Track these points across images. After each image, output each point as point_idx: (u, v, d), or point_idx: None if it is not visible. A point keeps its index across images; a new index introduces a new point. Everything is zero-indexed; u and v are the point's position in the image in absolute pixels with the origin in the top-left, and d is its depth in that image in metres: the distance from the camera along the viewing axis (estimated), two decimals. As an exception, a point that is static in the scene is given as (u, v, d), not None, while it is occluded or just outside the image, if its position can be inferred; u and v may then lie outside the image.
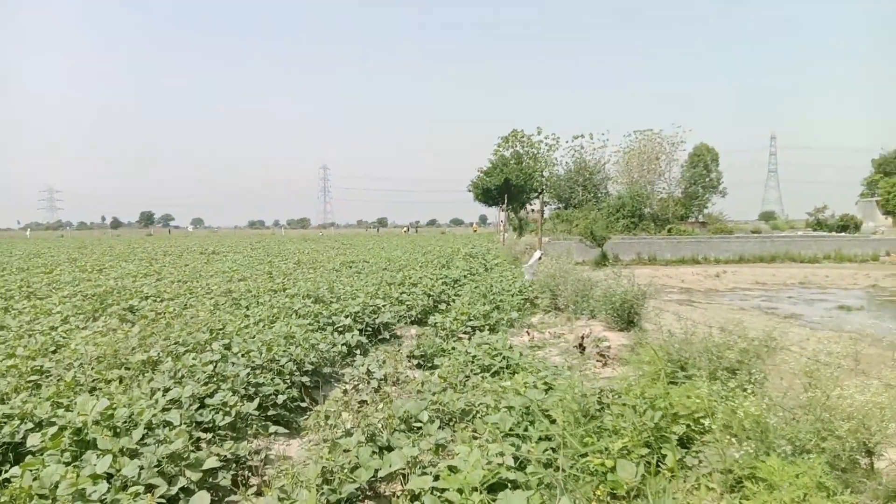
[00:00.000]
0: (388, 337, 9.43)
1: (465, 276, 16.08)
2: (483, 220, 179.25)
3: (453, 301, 13.74)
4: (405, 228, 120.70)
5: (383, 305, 10.31)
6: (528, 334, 10.51)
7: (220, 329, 8.22)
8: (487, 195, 56.29)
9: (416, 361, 7.99)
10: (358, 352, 8.22)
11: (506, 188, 52.76)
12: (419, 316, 11.32)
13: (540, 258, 13.99)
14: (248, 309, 11.14)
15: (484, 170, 57.78)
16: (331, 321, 8.79)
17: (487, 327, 10.30)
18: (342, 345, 7.88)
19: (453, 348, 7.99)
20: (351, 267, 20.36)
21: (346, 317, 9.19)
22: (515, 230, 54.56)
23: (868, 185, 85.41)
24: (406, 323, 11.06)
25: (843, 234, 49.90)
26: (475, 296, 12.44)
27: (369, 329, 9.19)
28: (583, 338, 9.08)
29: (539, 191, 56.27)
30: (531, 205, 63.14)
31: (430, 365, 7.85)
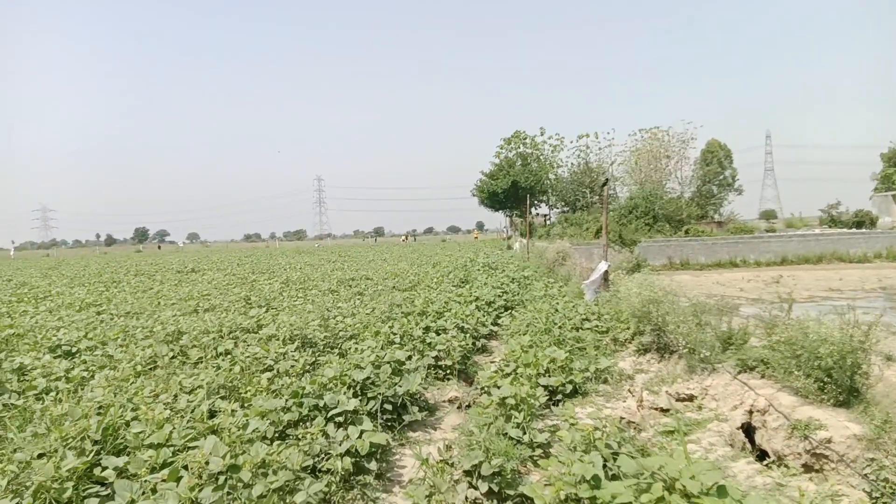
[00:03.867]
0: (418, 417, 5.65)
1: (499, 297, 12.32)
2: (480, 226, 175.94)
3: (502, 336, 10.06)
4: (403, 237, 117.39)
5: (406, 358, 6.48)
6: (635, 397, 6.78)
7: (110, 435, 4.45)
8: (494, 199, 52.60)
9: (482, 485, 4.22)
10: (373, 464, 4.47)
11: (514, 191, 49.03)
12: (457, 365, 7.59)
13: (607, 272, 10.23)
14: (197, 366, 7.39)
15: (488, 173, 54.13)
16: (322, 400, 4.99)
17: (570, 386, 6.56)
18: (343, 456, 4.16)
19: (541, 452, 4.30)
20: (350, 286, 16.58)
21: (350, 388, 5.41)
22: (523, 235, 50.92)
23: (882, 179, 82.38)
24: (439, 376, 7.32)
25: (861, 230, 46.46)
26: (532, 330, 8.69)
27: (388, 407, 5.41)
28: (750, 413, 5.35)
29: (544, 192, 52.61)
30: (536, 208, 59.67)
31: (506, 493, 4.13)
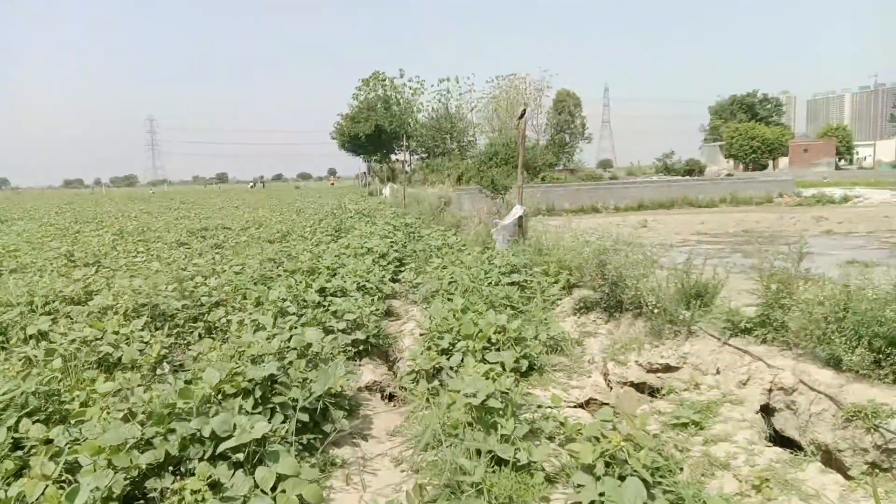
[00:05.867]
0: (346, 427, 3.93)
1: (392, 250, 10.64)
2: (333, 172, 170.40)
3: (403, 295, 8.53)
4: (251, 184, 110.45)
5: (318, 338, 4.61)
6: (599, 370, 5.57)
7: None
8: (355, 143, 49.93)
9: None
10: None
11: (377, 135, 46.71)
12: (371, 338, 5.90)
13: (522, 217, 8.96)
14: (-10, 361, 5.04)
15: (348, 115, 51.13)
16: (205, 427, 3.10)
17: (526, 361, 5.16)
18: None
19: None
20: (205, 237, 13.98)
21: (246, 396, 3.53)
22: (382, 182, 49.07)
23: (710, 130, 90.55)
24: (349, 354, 5.58)
25: (689, 177, 50.58)
26: (455, 288, 7.16)
27: (303, 417, 3.61)
28: (769, 391, 4.31)
29: (409, 137, 50.88)
30: (395, 154, 57.90)
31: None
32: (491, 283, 7.50)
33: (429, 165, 47.46)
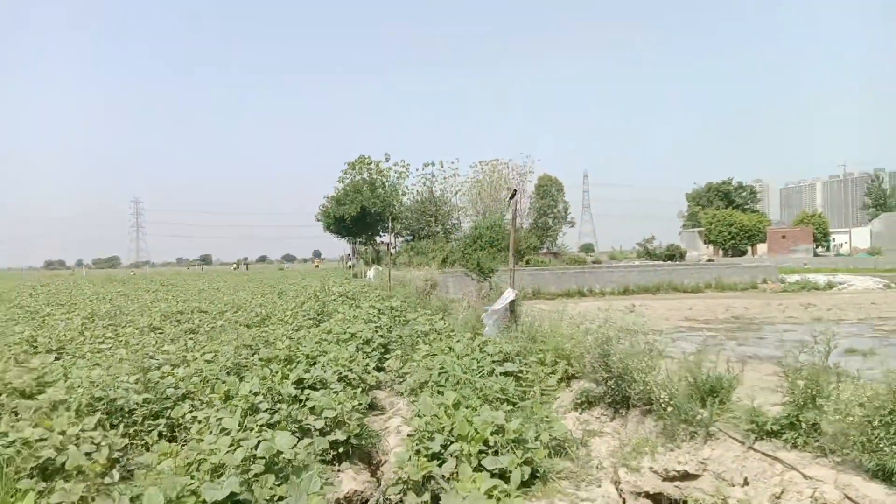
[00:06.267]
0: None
1: (377, 335, 10.08)
2: (317, 254, 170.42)
3: (389, 385, 7.93)
4: (234, 265, 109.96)
5: (290, 446, 4.00)
6: (608, 477, 4.98)
7: None
8: (341, 225, 49.94)
9: None
10: None
11: (362, 217, 46.86)
12: (353, 439, 5.28)
13: (514, 301, 8.53)
14: None
15: (334, 197, 51.49)
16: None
17: (528, 468, 4.56)
18: None
19: None
20: (178, 321, 13.31)
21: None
22: (367, 264, 48.77)
23: (689, 216, 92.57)
24: (326, 458, 4.93)
25: (672, 262, 51.11)
26: (446, 379, 6.60)
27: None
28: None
29: (395, 219, 51.09)
30: (380, 236, 57.98)
31: None
32: (483, 373, 6.96)
33: (414, 248, 47.44)
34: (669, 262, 52.80)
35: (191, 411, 5.78)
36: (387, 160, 57.25)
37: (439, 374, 6.70)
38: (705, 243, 78.69)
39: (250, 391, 5.46)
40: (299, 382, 6.21)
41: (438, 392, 6.06)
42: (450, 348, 8.20)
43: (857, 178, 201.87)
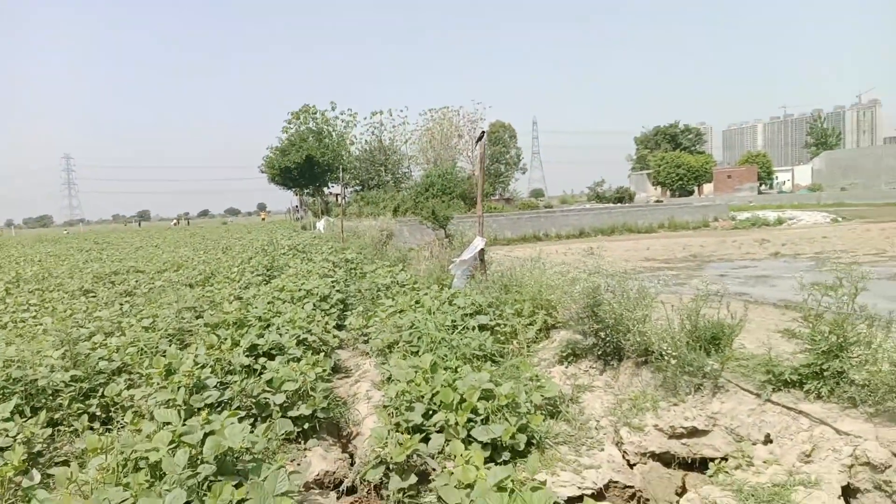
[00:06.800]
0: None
1: (335, 291, 9.33)
2: (262, 207, 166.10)
3: (352, 345, 7.28)
4: (174, 221, 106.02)
5: (243, 433, 3.30)
6: (609, 438, 4.50)
7: None
8: (286, 176, 48.09)
9: None
10: None
11: (308, 167, 45.14)
12: (320, 412, 4.61)
13: (483, 250, 7.92)
14: None
15: (278, 147, 49.38)
16: None
17: (523, 436, 4.01)
18: None
19: None
20: (113, 283, 12.22)
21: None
22: (316, 215, 47.35)
23: (638, 159, 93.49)
24: (290, 436, 4.28)
25: (620, 204, 51.68)
26: (418, 337, 5.96)
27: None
28: (850, 467, 3.35)
29: (345, 170, 49.55)
30: (329, 187, 56.41)
31: None
32: (458, 329, 6.36)
33: (364, 198, 46.20)
34: (621, 204, 53.21)
35: (127, 387, 5.01)
36: (333, 109, 55.18)
37: (410, 332, 6.05)
38: (654, 185, 79.80)
39: (195, 363, 4.70)
40: (252, 349, 5.48)
41: (412, 353, 5.43)
42: (417, 303, 7.55)
43: (797, 119, 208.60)
